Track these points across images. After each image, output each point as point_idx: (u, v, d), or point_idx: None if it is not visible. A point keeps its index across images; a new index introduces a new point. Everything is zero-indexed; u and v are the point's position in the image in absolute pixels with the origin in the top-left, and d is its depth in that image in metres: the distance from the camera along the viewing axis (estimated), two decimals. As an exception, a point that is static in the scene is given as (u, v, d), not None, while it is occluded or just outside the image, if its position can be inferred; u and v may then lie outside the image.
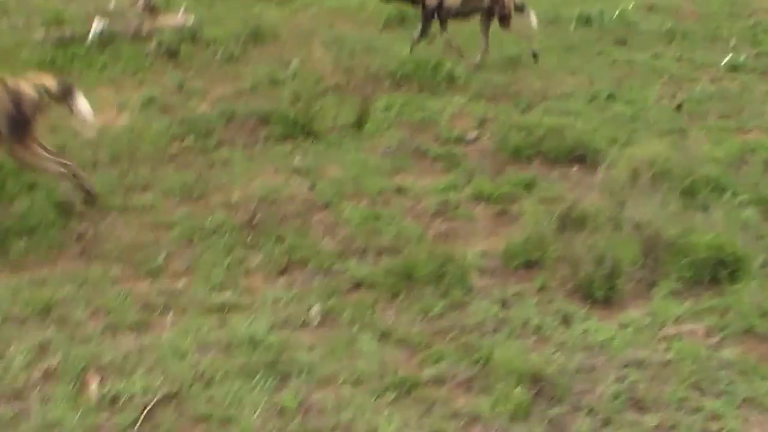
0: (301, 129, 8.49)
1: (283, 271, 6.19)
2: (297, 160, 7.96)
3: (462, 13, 10.57)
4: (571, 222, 6.39)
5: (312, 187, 7.40)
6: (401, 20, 12.15)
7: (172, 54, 10.72)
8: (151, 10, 11.90)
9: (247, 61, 10.76)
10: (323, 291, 5.90)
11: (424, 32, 10.54)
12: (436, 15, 10.45)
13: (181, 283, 5.99)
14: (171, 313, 5.64)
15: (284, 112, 8.63)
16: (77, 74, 10.03)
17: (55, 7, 11.58)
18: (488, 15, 10.52)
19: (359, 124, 8.66)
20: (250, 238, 6.56)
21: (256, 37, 11.36)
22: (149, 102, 9.24)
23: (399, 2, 10.78)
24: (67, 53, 10.49)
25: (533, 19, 10.56)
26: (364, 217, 6.85)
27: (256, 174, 7.71)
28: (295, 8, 13.43)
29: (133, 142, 8.23)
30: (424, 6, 10.45)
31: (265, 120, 8.70)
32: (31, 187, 7.15)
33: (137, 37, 11.04)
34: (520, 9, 10.56)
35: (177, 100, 9.40)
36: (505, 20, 10.51)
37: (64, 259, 6.31)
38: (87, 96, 9.12)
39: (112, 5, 11.58)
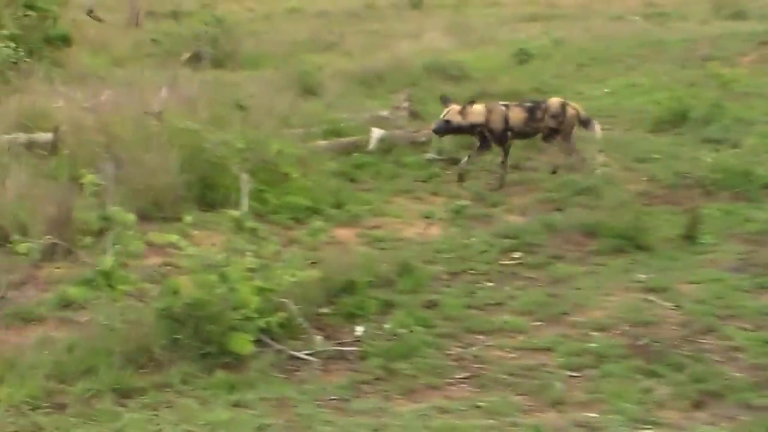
0: (630, 242, 8.05)
1: (698, 405, 5.65)
2: (642, 277, 7.49)
3: (524, 134, 10.13)
4: None
5: (677, 308, 6.90)
6: (674, 122, 11.74)
7: (454, 161, 10.55)
8: (415, 116, 11.86)
9: (533, 167, 10.50)
10: (755, 429, 5.33)
11: (506, 157, 10.06)
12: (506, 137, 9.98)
13: (592, 415, 5.52)
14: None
15: (611, 224, 8.22)
16: (369, 183, 9.97)
17: (330, 116, 11.63)
18: (552, 134, 10.10)
19: (690, 236, 8.16)
20: (643, 364, 6.06)
21: (532, 143, 11.11)
22: (456, 213, 8.99)
23: (457, 132, 10.20)
24: (353, 162, 10.45)
25: (598, 130, 10.18)
26: (760, 343, 6.28)
27: (604, 291, 7.27)
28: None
29: (461, 256, 7.95)
30: (491, 131, 9.92)
31: (589, 232, 8.31)
32: (389, 304, 6.92)
33: (413, 143, 10.95)
34: (585, 123, 10.13)
35: (482, 210, 9.14)
36: (552, 136, 10.11)
37: (452, 385, 5.95)
38: (387, 207, 9.07)
39: (384, 113, 11.56)
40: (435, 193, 9.75)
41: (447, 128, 9.95)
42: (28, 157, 9.73)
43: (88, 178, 6.12)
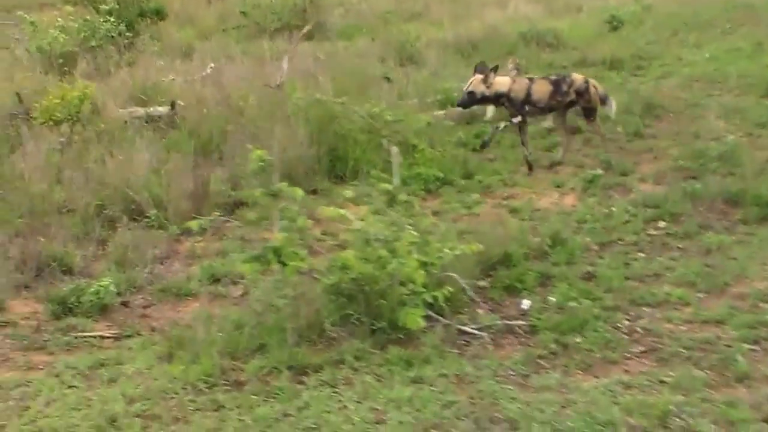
0: (777, 210, 7.86)
1: None
2: (798, 246, 7.30)
3: (546, 108, 9.70)
4: None
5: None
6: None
7: (575, 130, 10.37)
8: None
9: (652, 134, 10.30)
10: None
11: (512, 124, 9.55)
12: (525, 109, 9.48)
13: (783, 391, 5.39)
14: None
15: (755, 192, 8.02)
16: (492, 152, 9.85)
17: (441, 86, 11.50)
18: (591, 112, 9.70)
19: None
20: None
21: (648, 109, 10.90)
22: (590, 182, 8.84)
23: (482, 103, 9.81)
24: (474, 131, 10.34)
25: (613, 108, 9.90)
26: None
27: (761, 261, 7.09)
28: (655, 77, 12.96)
29: (605, 226, 7.82)
30: (510, 101, 9.45)
31: (732, 200, 8.11)
32: (546, 276, 6.82)
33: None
34: (603, 101, 9.79)
35: (614, 179, 8.97)
36: (590, 114, 9.72)
37: (630, 359, 5.83)
38: (516, 177, 8.94)
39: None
40: (560, 162, 9.58)
41: (472, 100, 9.49)
42: (148, 131, 9.75)
43: (257, 153, 6.06)
